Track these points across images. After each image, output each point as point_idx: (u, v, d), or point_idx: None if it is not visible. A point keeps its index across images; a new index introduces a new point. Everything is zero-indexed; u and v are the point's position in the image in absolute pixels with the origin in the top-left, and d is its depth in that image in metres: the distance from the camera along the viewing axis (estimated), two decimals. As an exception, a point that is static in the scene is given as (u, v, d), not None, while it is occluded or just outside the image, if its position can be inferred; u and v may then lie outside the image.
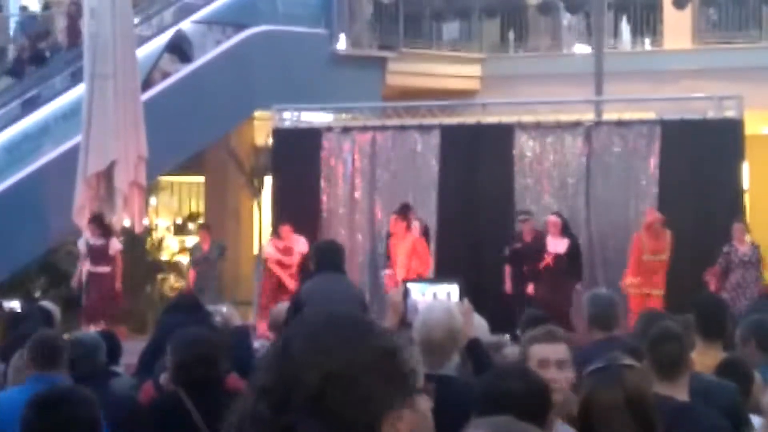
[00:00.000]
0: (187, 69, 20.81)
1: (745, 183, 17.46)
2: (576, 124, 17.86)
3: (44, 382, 5.94)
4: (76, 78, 20.11)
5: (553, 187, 17.75)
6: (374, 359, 2.02)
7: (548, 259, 16.21)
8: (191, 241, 21.76)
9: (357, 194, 18.62)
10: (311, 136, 18.92)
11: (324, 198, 18.62)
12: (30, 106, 20.46)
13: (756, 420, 5.35)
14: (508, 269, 16.62)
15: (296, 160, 18.66)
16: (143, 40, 20.37)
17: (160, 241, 22.41)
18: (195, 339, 6.01)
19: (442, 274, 15.80)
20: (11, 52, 23.19)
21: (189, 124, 19.75)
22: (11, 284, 18.61)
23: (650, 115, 18.29)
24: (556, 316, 11.92)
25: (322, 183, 18.63)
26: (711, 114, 17.46)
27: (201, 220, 22.86)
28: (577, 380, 4.62)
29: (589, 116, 18.38)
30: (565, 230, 16.49)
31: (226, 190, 23.68)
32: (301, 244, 17.13)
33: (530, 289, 16.28)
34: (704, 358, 6.22)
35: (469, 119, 18.84)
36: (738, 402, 5.42)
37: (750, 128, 17.37)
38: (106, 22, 17.74)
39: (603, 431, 4.05)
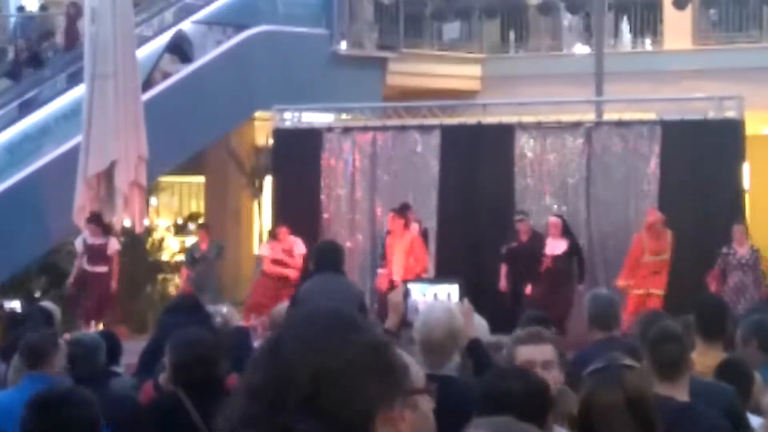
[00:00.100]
0: (187, 69, 20.80)
1: (746, 183, 17.45)
2: (576, 125, 17.86)
3: (37, 381, 5.94)
4: (74, 79, 20.11)
5: (553, 188, 17.75)
6: (365, 355, 2.01)
7: (547, 262, 16.20)
8: (192, 241, 21.75)
9: (357, 194, 18.63)
10: (311, 137, 18.93)
11: (324, 198, 18.63)
12: (28, 107, 20.43)
13: (756, 420, 5.35)
14: (504, 269, 16.60)
15: (297, 161, 18.67)
16: (144, 41, 20.37)
17: (161, 242, 22.40)
18: (193, 339, 6.01)
19: (442, 275, 15.79)
20: (11, 53, 23.16)
21: (189, 125, 19.75)
22: (12, 284, 18.60)
23: (651, 116, 18.30)
24: (553, 317, 11.90)
25: (323, 183, 18.63)
26: (711, 114, 17.46)
27: (201, 221, 22.84)
28: (577, 381, 4.61)
29: (589, 116, 18.38)
30: (566, 232, 16.49)
31: (226, 191, 23.68)
32: (298, 246, 17.12)
33: (527, 289, 16.26)
34: (704, 359, 6.22)
35: (470, 119, 18.85)
36: (736, 404, 5.41)
37: (750, 128, 17.38)
38: (107, 22, 17.74)
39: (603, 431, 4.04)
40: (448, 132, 18.26)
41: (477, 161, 17.93)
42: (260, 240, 21.55)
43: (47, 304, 11.03)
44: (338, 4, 22.40)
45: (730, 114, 17.27)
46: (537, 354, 4.80)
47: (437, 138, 18.23)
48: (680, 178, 16.93)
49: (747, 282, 15.72)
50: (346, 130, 19.10)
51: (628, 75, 20.68)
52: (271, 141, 20.08)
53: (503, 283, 16.47)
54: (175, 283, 21.05)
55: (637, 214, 17.10)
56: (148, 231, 21.02)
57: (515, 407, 3.61)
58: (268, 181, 21.30)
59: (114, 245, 17.23)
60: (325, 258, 10.10)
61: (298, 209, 18.19)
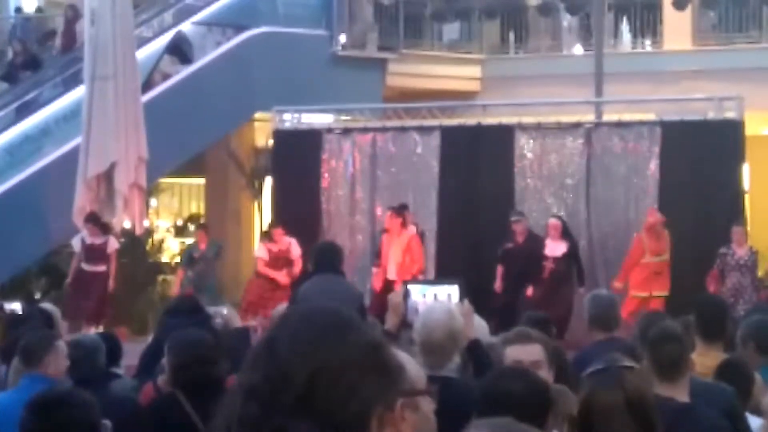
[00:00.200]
0: (187, 70, 20.80)
1: (746, 184, 17.44)
2: (576, 125, 17.86)
3: (36, 382, 5.94)
4: (73, 81, 20.11)
5: (553, 188, 17.75)
6: (361, 355, 2.01)
7: (549, 264, 16.16)
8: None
9: (357, 195, 18.63)
10: (311, 138, 18.93)
11: (324, 199, 18.63)
12: (27, 109, 20.42)
13: (756, 421, 5.35)
14: (499, 270, 16.56)
15: (296, 162, 18.67)
16: (143, 42, 20.35)
17: (161, 243, 22.39)
18: (192, 340, 6.01)
19: (442, 275, 15.79)
20: (10, 55, 23.15)
21: (189, 126, 19.74)
22: (12, 286, 18.61)
23: (650, 116, 18.29)
24: (553, 318, 11.88)
25: (323, 184, 18.63)
26: (711, 115, 17.46)
27: (202, 222, 22.83)
28: (578, 381, 4.61)
29: (589, 117, 18.39)
30: (565, 233, 16.47)
31: (226, 192, 23.67)
32: (295, 247, 17.10)
33: (528, 291, 16.23)
34: (705, 359, 6.22)
35: (470, 120, 18.85)
36: (735, 405, 5.40)
37: (750, 129, 17.37)
38: (107, 23, 17.74)
39: (603, 433, 4.04)
40: (447, 133, 18.27)
41: (477, 162, 17.93)
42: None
43: (47, 305, 11.02)
44: (338, 5, 22.40)
45: (730, 114, 17.27)
46: (525, 354, 4.81)
47: (437, 139, 18.24)
48: (680, 178, 16.93)
49: (745, 283, 15.72)
50: (346, 131, 19.10)
51: (628, 75, 20.68)
52: (271, 142, 20.07)
53: (498, 284, 16.41)
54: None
55: (637, 215, 17.10)
56: (148, 232, 21.01)
57: (515, 408, 3.61)
58: (268, 182, 21.30)
59: (113, 244, 17.23)
60: (324, 259, 10.09)
61: (298, 210, 18.19)
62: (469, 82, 23.49)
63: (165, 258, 22.18)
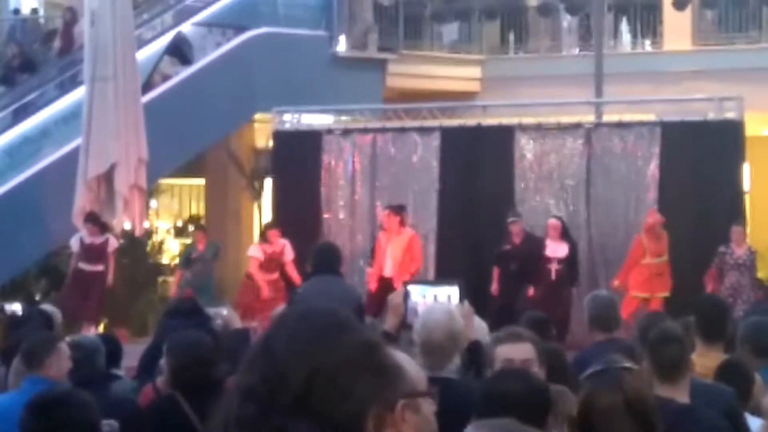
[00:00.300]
0: (187, 71, 20.79)
1: (746, 184, 17.44)
2: (576, 126, 17.86)
3: (37, 384, 5.94)
4: (72, 82, 20.10)
5: (553, 189, 17.75)
6: (357, 355, 2.01)
7: (554, 265, 16.13)
8: (192, 244, 21.75)
9: (357, 196, 18.63)
10: (311, 138, 18.93)
11: (324, 200, 18.62)
12: (25, 111, 20.41)
13: (756, 422, 5.34)
14: (496, 271, 16.53)
15: (297, 163, 18.67)
16: (143, 43, 20.35)
17: (161, 244, 22.39)
18: (191, 342, 6.01)
19: (442, 276, 15.78)
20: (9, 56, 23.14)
21: (189, 127, 19.73)
22: (12, 287, 18.61)
23: (650, 117, 18.29)
24: (553, 319, 11.88)
25: (323, 185, 18.63)
26: (711, 115, 17.46)
27: (202, 223, 22.83)
28: (577, 382, 4.61)
29: (589, 118, 18.39)
30: (565, 234, 16.46)
31: (226, 193, 23.66)
32: (288, 249, 17.07)
33: (529, 291, 16.20)
34: (705, 360, 6.22)
35: (470, 121, 18.85)
36: (736, 405, 5.40)
37: (750, 129, 17.37)
38: (107, 24, 17.73)
39: (603, 433, 4.04)
40: (448, 133, 18.27)
41: (477, 163, 17.93)
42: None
43: (47, 306, 11.02)
44: (338, 6, 22.40)
45: (730, 115, 17.27)
46: (516, 353, 4.82)
47: (437, 139, 18.24)
48: (680, 179, 16.93)
49: (743, 283, 15.71)
50: (346, 132, 19.11)
51: (628, 76, 20.67)
52: (271, 143, 20.06)
53: (494, 287, 16.35)
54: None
55: (637, 215, 17.10)
56: (148, 233, 21.01)
57: (515, 409, 3.60)
58: (268, 183, 21.29)
59: (113, 243, 17.23)
60: (323, 260, 10.08)
61: (298, 211, 18.20)
62: (469, 82, 23.48)
63: (165, 259, 22.17)
